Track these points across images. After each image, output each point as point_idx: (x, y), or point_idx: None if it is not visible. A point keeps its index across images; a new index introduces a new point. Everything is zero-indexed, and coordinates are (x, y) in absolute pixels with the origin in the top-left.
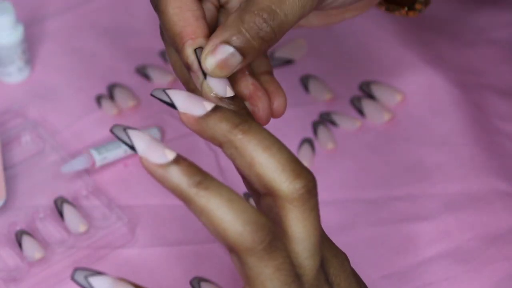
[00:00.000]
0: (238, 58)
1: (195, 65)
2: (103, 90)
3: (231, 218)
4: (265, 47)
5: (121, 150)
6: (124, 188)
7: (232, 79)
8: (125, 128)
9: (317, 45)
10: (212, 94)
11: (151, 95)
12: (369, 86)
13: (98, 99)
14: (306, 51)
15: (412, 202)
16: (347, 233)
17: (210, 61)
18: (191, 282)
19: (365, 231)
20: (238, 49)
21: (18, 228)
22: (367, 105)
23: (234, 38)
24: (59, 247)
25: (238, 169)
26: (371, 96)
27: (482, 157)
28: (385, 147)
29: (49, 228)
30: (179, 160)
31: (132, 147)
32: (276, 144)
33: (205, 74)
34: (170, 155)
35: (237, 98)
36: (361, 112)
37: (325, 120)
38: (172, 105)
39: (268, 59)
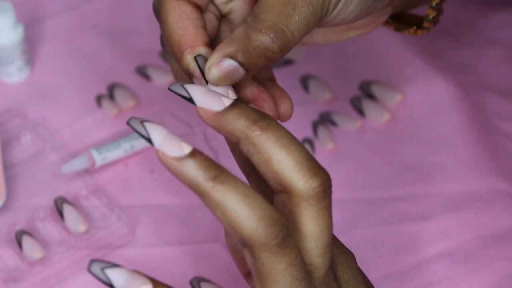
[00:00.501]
0: (241, 72)
1: (196, 72)
2: (103, 90)
3: (246, 213)
4: (269, 65)
5: (121, 150)
6: (124, 188)
7: (236, 85)
8: (142, 121)
9: (317, 45)
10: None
11: (169, 89)
12: (369, 86)
13: (98, 99)
14: (306, 51)
15: (412, 202)
16: (347, 233)
17: (213, 72)
18: (191, 282)
19: (365, 231)
20: (242, 65)
21: (18, 228)
22: (367, 105)
23: (239, 54)
24: (59, 247)
25: (255, 165)
26: (371, 96)
27: (482, 157)
28: (385, 147)
29: (49, 228)
30: (195, 153)
31: (149, 140)
32: (294, 142)
33: (206, 81)
34: (187, 149)
35: (241, 101)
36: (361, 112)
37: (325, 120)
38: (190, 99)
39: (271, 68)
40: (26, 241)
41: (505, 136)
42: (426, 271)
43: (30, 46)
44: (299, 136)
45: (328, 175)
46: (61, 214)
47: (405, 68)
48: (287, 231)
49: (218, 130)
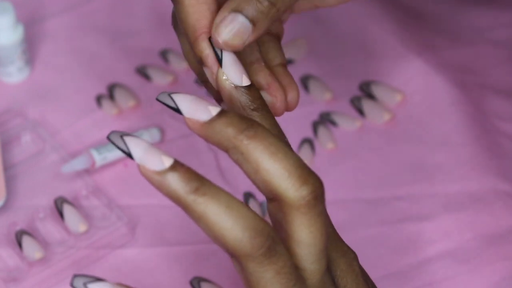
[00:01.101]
0: (248, 27)
1: (209, 59)
2: (103, 90)
3: (230, 224)
4: (275, 15)
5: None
6: (124, 188)
7: (249, 71)
8: (122, 135)
9: (317, 45)
10: (228, 82)
11: (157, 99)
12: (369, 86)
13: (98, 99)
14: (306, 51)
15: (412, 202)
16: (347, 233)
17: (221, 30)
18: (191, 282)
19: (365, 231)
20: (248, 18)
21: (18, 228)
22: (367, 105)
23: (244, 6)
24: (59, 247)
25: (245, 174)
26: (371, 96)
27: (482, 157)
28: (385, 147)
29: (49, 228)
30: (176, 166)
31: (129, 154)
32: (282, 150)
33: (220, 64)
34: (167, 162)
35: (253, 87)
36: (361, 112)
37: (325, 120)
38: (177, 110)
39: (282, 50)
40: (26, 241)
41: (505, 136)
42: (426, 271)
43: (30, 46)
44: (299, 136)
45: (320, 181)
46: (61, 214)
47: (405, 68)
48: (273, 239)
49: (206, 140)
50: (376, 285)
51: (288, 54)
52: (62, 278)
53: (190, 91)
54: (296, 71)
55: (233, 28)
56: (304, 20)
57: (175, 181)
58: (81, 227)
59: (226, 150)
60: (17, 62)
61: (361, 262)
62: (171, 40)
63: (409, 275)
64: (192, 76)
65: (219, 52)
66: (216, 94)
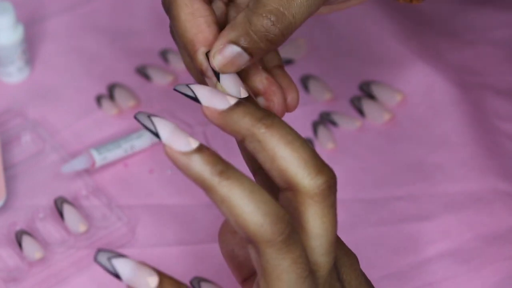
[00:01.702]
0: (245, 57)
1: (209, 71)
2: (103, 90)
3: (252, 209)
4: (272, 48)
5: (121, 150)
6: (124, 188)
7: (246, 75)
8: (149, 115)
9: (317, 45)
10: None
11: (175, 89)
12: (369, 86)
13: (98, 99)
14: (306, 51)
15: (412, 202)
16: (347, 233)
17: (218, 59)
18: (191, 282)
19: (365, 231)
20: (245, 50)
21: (18, 228)
22: (367, 105)
23: (241, 39)
24: (59, 247)
25: (260, 163)
26: (371, 96)
27: (482, 157)
28: (385, 147)
29: (49, 228)
30: (202, 148)
31: (156, 134)
32: (299, 139)
33: (218, 77)
34: (194, 144)
35: (251, 99)
36: (361, 112)
37: (325, 120)
38: (196, 99)
39: (278, 53)
40: (26, 241)
41: (505, 136)
42: (426, 271)
43: (30, 46)
44: None
45: (333, 172)
46: (61, 214)
47: (405, 68)
48: (292, 228)
49: (224, 128)
50: (376, 285)
51: (288, 54)
52: (62, 278)
53: None
54: (296, 71)
55: (229, 58)
56: None
57: (200, 163)
58: (81, 227)
59: (242, 139)
60: (17, 62)
61: (361, 262)
62: (171, 40)
63: (409, 275)
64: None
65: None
66: None
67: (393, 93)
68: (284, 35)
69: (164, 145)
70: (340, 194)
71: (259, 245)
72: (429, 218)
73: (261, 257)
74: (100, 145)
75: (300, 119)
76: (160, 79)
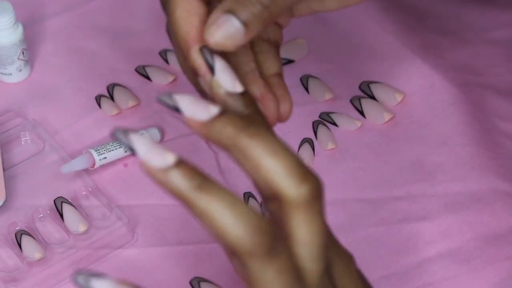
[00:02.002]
0: (241, 29)
1: (202, 68)
2: (103, 90)
3: (232, 222)
4: (268, 18)
5: (121, 150)
6: (124, 188)
7: (243, 81)
8: (125, 131)
9: (317, 45)
10: (221, 90)
11: (157, 100)
12: (369, 86)
13: (98, 99)
14: (306, 51)
15: (412, 202)
16: (347, 233)
17: (212, 30)
18: (191, 282)
19: (365, 231)
20: (241, 20)
21: (18, 228)
22: (367, 105)
23: (238, 8)
24: (59, 247)
25: (245, 173)
26: (371, 96)
27: (482, 157)
28: (385, 147)
29: (49, 228)
30: (180, 163)
31: (133, 150)
32: (282, 148)
33: (212, 71)
34: (171, 159)
35: (247, 94)
36: (361, 112)
37: (325, 120)
38: (178, 110)
39: (279, 59)
40: (26, 241)
41: (505, 136)
42: (426, 271)
43: (30, 46)
44: (299, 136)
45: (319, 180)
46: (61, 214)
47: (405, 68)
48: (275, 238)
49: (207, 139)
50: (376, 285)
51: (288, 54)
52: (62, 278)
53: (190, 91)
54: (296, 71)
55: (225, 30)
56: (304, 20)
57: (178, 178)
58: (81, 227)
59: (226, 149)
60: (17, 62)
61: (361, 262)
62: None
63: (409, 275)
64: None
65: (210, 60)
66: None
67: (393, 93)
68: (280, 7)
69: (140, 162)
70: (340, 194)
71: (241, 257)
72: (429, 218)
73: (245, 269)
74: (100, 145)
75: (300, 119)
76: (160, 79)
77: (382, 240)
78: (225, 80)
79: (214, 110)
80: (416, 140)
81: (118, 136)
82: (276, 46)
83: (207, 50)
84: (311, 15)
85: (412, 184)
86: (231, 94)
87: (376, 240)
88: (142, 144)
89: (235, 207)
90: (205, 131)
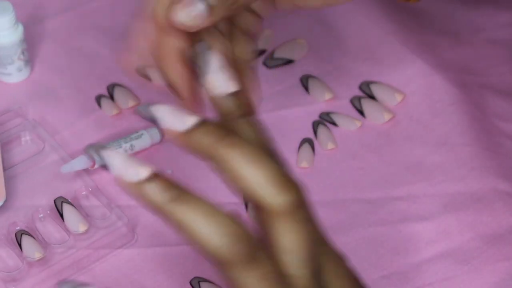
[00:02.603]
0: (204, 12)
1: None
2: (103, 90)
3: (209, 232)
4: (234, 5)
5: (121, 150)
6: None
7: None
8: (97, 148)
9: (317, 45)
10: (216, 91)
11: (137, 112)
12: (369, 86)
13: (98, 99)
14: (306, 51)
15: (412, 202)
16: (347, 233)
17: (177, 10)
18: (191, 282)
19: (365, 231)
20: (207, 3)
21: (18, 228)
22: (367, 105)
23: None
24: (59, 247)
25: (226, 183)
26: (371, 96)
27: (482, 157)
28: (385, 147)
29: (49, 228)
30: (154, 176)
31: (106, 167)
32: (261, 157)
33: (206, 72)
34: (145, 173)
35: (242, 92)
36: (361, 112)
37: (325, 120)
38: (156, 121)
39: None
40: (26, 241)
41: (505, 136)
42: (426, 271)
43: (30, 46)
44: (299, 136)
45: (300, 187)
46: (61, 214)
47: (405, 68)
48: (254, 246)
49: (187, 149)
50: (376, 285)
51: (288, 54)
52: (62, 278)
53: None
54: (296, 71)
55: (189, 11)
56: (304, 20)
57: (153, 191)
58: (81, 227)
59: (206, 159)
60: (17, 62)
61: (361, 262)
62: None
63: (409, 275)
64: None
65: (204, 62)
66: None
67: (393, 93)
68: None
69: (115, 177)
70: (340, 194)
71: (222, 267)
72: (429, 218)
73: (227, 278)
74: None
75: (300, 119)
76: (160, 79)
77: (382, 240)
78: (218, 80)
79: (191, 120)
80: (416, 140)
81: (90, 152)
82: (251, 35)
83: (203, 45)
84: (311, 11)
85: (412, 184)
86: (223, 94)
87: (376, 240)
88: (115, 160)
89: (212, 217)
90: (183, 142)
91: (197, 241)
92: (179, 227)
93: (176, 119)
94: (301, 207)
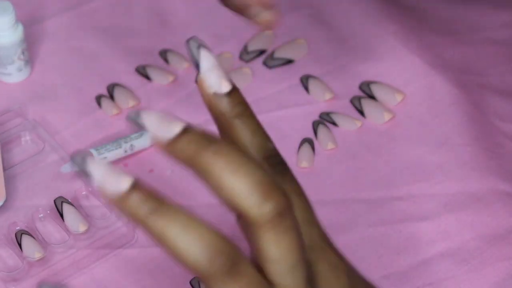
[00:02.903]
0: None
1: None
2: (103, 90)
3: (188, 245)
4: None
5: (121, 150)
6: None
7: None
8: (83, 156)
9: (317, 45)
10: (209, 91)
11: (127, 119)
12: (369, 86)
13: (98, 99)
14: (306, 51)
15: (412, 202)
16: (347, 233)
17: None
18: (191, 282)
19: (365, 231)
20: None
21: (18, 228)
22: (367, 105)
23: None
24: (59, 247)
25: (211, 192)
26: (371, 96)
27: (482, 157)
28: (385, 147)
29: (49, 228)
30: (136, 186)
31: (89, 176)
32: (245, 166)
33: (198, 69)
34: (127, 183)
35: (235, 91)
36: (361, 112)
37: (325, 120)
38: (143, 128)
39: None
40: (26, 241)
41: (505, 136)
42: (426, 271)
43: (30, 46)
44: (299, 136)
45: (285, 196)
46: (61, 214)
47: (405, 68)
48: (235, 258)
49: (172, 158)
50: (376, 285)
51: (288, 54)
52: (62, 278)
53: (190, 90)
54: (296, 71)
55: None
56: (304, 20)
57: (134, 202)
58: (81, 227)
59: (189, 167)
60: (17, 62)
61: (361, 262)
62: (171, 40)
63: (409, 275)
64: (192, 76)
65: (196, 55)
66: None
67: (393, 93)
68: None
69: (97, 186)
70: (340, 194)
71: (203, 280)
72: (429, 218)
73: None
74: (100, 145)
75: (300, 119)
76: (160, 79)
77: (382, 240)
78: (211, 79)
79: (176, 128)
80: (416, 140)
81: (75, 160)
82: None
83: (195, 42)
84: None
85: (412, 184)
86: (217, 94)
87: (376, 240)
88: (97, 169)
89: (191, 230)
90: (167, 149)
91: (176, 255)
92: (158, 240)
93: (161, 127)
94: (287, 216)
